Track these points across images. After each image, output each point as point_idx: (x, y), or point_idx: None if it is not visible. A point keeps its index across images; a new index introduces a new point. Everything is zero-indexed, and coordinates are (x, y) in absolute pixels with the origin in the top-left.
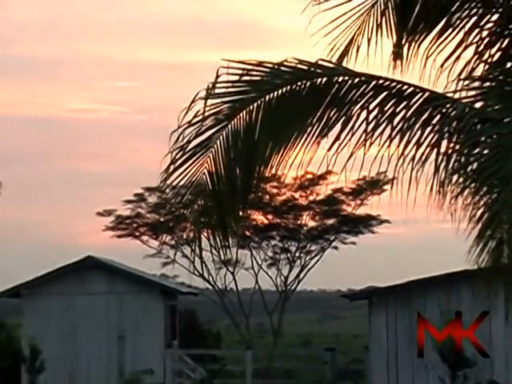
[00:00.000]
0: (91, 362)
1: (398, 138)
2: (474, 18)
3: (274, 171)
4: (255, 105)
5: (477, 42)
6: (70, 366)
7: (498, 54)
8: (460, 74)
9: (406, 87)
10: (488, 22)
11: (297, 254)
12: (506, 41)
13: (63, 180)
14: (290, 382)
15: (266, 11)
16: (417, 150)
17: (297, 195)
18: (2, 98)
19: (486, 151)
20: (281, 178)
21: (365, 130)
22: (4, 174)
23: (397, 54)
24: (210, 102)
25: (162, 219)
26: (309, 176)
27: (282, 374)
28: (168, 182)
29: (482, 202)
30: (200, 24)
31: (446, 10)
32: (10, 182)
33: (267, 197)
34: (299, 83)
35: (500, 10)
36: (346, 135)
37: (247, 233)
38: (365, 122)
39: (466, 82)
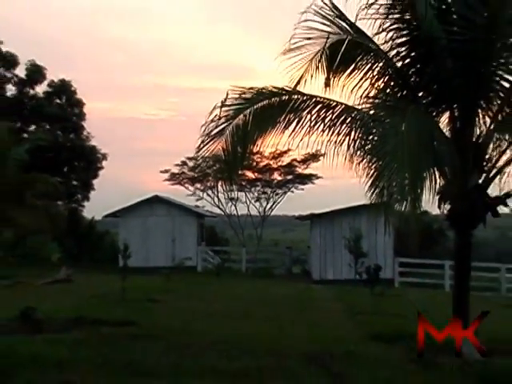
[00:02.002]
0: (156, 253)
1: (327, 130)
2: (369, 64)
3: (258, 148)
4: (248, 111)
5: (371, 78)
6: (145, 255)
7: (382, 84)
8: (362, 94)
9: (332, 102)
10: (377, 66)
11: (271, 195)
12: (386, 78)
13: (142, 152)
14: (266, 265)
15: (256, 60)
16: (337, 137)
17: (271, 162)
18: (110, 107)
19: (375, 138)
20: (262, 152)
21: (309, 126)
22: (114, 148)
23: (327, 84)
24: (223, 108)
25: (196, 175)
26: (278, 151)
27: (262, 261)
28: (199, 153)
29: (373, 167)
30: (218, 66)
31: (353, 60)
32: (113, 152)
33: (254, 163)
34: (273, 99)
35: (383, 60)
36: (299, 128)
37: (243, 183)
38: (309, 121)
39: (365, 99)
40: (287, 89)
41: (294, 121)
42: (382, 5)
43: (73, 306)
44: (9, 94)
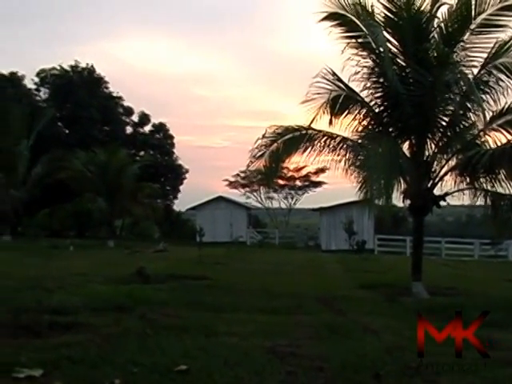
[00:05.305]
0: (220, 233)
1: (331, 153)
2: (357, 110)
3: (286, 164)
4: (279, 141)
5: (358, 119)
6: (213, 234)
7: (366, 123)
8: (353, 129)
9: (333, 134)
10: (362, 111)
11: (294, 195)
12: (368, 119)
13: (211, 168)
14: (291, 240)
15: (285, 107)
16: (337, 157)
17: (294, 173)
18: (191, 139)
19: (362, 158)
20: (288, 167)
21: (319, 150)
22: (193, 165)
23: (330, 122)
24: (263, 139)
25: (245, 182)
26: (298, 166)
27: (289, 238)
28: (248, 169)
29: (360, 177)
30: (261, 112)
31: (347, 107)
32: (193, 168)
33: (283, 174)
34: (295, 133)
35: (366, 107)
36: (312, 152)
37: (276, 187)
38: (319, 147)
39: (355, 133)
40: (304, 126)
41: (309, 147)
42: (364, 73)
43: (168, 267)
44: (128, 132)
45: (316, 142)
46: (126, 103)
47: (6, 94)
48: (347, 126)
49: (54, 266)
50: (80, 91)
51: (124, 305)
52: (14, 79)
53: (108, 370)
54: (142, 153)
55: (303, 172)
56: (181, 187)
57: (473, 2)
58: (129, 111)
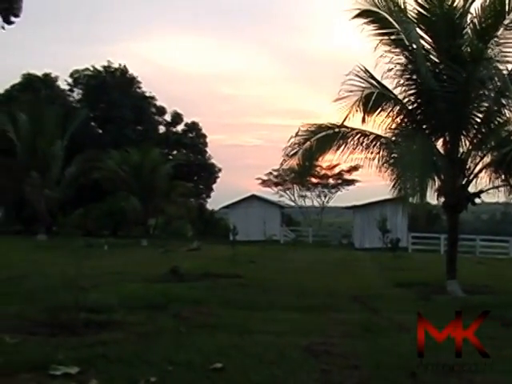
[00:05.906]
0: (254, 231)
1: (364, 150)
2: (391, 107)
3: (319, 163)
4: (312, 139)
5: (391, 116)
6: (246, 232)
7: (399, 120)
8: (386, 126)
9: (367, 132)
10: (395, 109)
11: (327, 193)
12: (401, 116)
13: (244, 166)
14: (325, 238)
15: (317, 106)
16: (371, 155)
17: (327, 172)
18: (223, 138)
19: (396, 155)
20: (322, 165)
21: (352, 148)
22: (226, 164)
23: (363, 120)
24: (296, 138)
25: (278, 181)
26: (331, 164)
27: (322, 236)
28: (281, 167)
29: (394, 174)
30: (292, 110)
31: (380, 105)
32: (225, 167)
33: (316, 172)
34: (328, 131)
35: (400, 105)
36: (345, 149)
37: (309, 185)
38: (352, 145)
39: (388, 130)
40: (337, 124)
41: (342, 145)
42: (397, 70)
43: (201, 265)
44: (160, 131)
45: (349, 139)
46: (158, 103)
47: (40, 95)
48: (380, 123)
49: (89, 265)
50: (113, 91)
51: (158, 303)
52: (47, 80)
53: (143, 367)
54: (174, 152)
55: (336, 170)
56: (214, 186)
57: None
58: (161, 111)
